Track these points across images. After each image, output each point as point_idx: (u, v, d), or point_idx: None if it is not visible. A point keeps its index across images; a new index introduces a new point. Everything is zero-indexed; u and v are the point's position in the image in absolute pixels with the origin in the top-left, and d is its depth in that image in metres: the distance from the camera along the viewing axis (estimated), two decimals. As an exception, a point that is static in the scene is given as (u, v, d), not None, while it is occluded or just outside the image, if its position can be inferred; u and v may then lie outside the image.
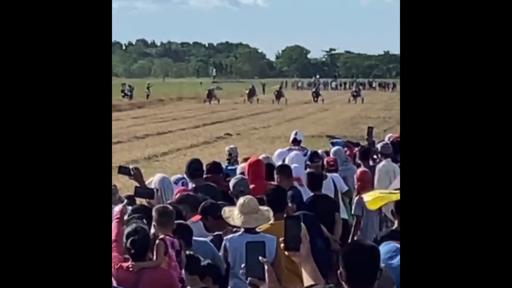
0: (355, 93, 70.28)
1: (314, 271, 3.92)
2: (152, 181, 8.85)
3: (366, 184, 10.58)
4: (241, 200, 7.30)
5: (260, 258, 3.91)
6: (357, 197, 10.42)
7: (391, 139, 15.79)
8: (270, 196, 7.85)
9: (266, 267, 3.89)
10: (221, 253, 7.17)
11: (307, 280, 3.90)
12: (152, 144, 30.26)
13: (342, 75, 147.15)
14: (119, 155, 26.22)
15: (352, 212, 10.48)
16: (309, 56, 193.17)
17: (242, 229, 7.17)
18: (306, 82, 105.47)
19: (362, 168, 11.22)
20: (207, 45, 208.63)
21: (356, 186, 10.76)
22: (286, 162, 11.91)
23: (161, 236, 6.50)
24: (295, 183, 10.21)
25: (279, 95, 66.16)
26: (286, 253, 3.94)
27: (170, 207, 6.86)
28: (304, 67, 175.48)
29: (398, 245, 5.62)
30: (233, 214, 7.23)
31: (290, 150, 13.49)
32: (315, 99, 68.32)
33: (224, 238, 7.20)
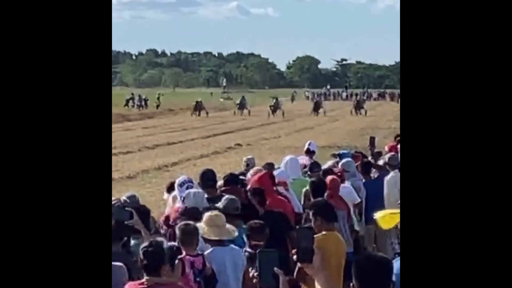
0: (357, 105, 65.23)
1: (327, 282, 3.92)
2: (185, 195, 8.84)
3: (335, 191, 10.52)
4: (208, 214, 7.41)
5: (276, 269, 3.91)
6: None
7: (387, 148, 15.82)
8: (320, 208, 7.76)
9: (281, 278, 3.88)
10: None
11: None
12: (162, 154, 30.28)
13: (353, 85, 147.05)
14: (129, 165, 26.26)
15: None
16: (320, 66, 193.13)
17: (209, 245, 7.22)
18: (316, 93, 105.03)
19: (331, 176, 11.11)
20: (217, 55, 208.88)
21: (326, 194, 10.57)
22: (282, 166, 12.02)
23: (180, 256, 6.51)
24: (280, 188, 10.21)
25: (275, 108, 61.20)
26: (298, 264, 3.91)
27: (192, 225, 6.83)
28: (315, 77, 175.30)
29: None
30: (204, 229, 7.28)
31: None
32: (316, 111, 62.56)
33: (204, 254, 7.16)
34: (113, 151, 31.29)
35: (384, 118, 56.90)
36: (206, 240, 7.22)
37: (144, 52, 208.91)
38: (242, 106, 64.77)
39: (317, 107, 64.02)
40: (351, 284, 3.84)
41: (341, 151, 15.85)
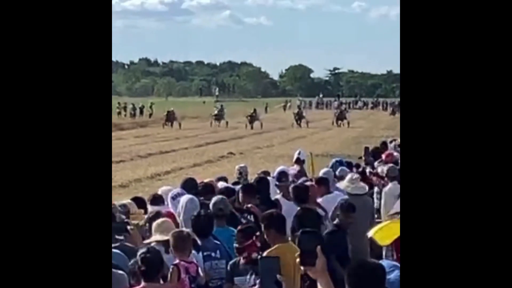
0: (339, 116, 60.38)
1: (330, 287, 3.92)
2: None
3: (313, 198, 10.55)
4: (158, 221, 7.53)
5: (278, 276, 3.90)
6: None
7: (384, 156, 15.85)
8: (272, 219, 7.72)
9: (283, 285, 3.87)
10: None
11: None
12: (154, 163, 30.23)
13: (345, 94, 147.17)
14: (122, 174, 26.21)
15: None
16: (312, 75, 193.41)
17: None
18: (303, 101, 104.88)
19: (310, 183, 11.17)
20: (210, 64, 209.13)
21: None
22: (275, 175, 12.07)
23: (176, 262, 6.54)
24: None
25: (252, 119, 56.05)
26: (301, 268, 3.92)
27: (186, 231, 6.84)
28: (308, 86, 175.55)
29: (394, 262, 5.61)
30: (152, 237, 7.39)
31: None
32: (298, 122, 58.22)
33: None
34: (106, 160, 31.20)
35: (377, 126, 56.92)
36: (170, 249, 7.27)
37: (136, 61, 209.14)
38: (219, 116, 59.16)
39: (299, 117, 59.41)
40: None
41: (335, 159, 15.83)
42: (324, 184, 11.45)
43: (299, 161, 14.61)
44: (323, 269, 3.90)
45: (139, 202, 9.96)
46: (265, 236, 7.43)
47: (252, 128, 54.31)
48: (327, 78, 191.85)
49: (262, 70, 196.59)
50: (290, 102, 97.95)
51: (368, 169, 15.05)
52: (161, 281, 6.32)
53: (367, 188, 11.97)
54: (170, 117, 56.38)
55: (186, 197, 9.16)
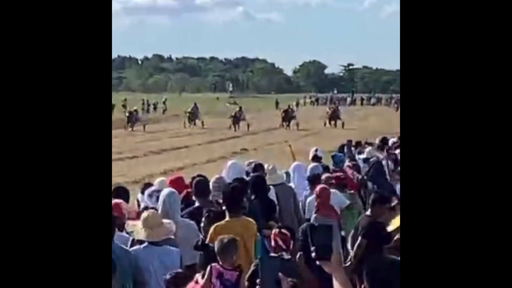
0: (332, 115, 52.43)
1: (346, 281, 3.88)
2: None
3: (326, 200, 10.49)
4: (144, 214, 7.50)
5: (280, 274, 3.86)
6: (315, 214, 10.36)
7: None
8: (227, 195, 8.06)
9: (283, 285, 3.82)
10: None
11: None
12: (168, 159, 30.22)
13: (359, 90, 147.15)
14: (135, 170, 26.20)
15: None
16: (326, 71, 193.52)
17: (146, 243, 7.31)
18: (321, 98, 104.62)
19: (321, 185, 11.02)
20: (224, 60, 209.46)
21: (316, 203, 10.58)
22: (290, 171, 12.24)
23: (214, 264, 6.74)
24: None
25: (236, 119, 47.98)
26: (317, 262, 3.89)
27: (228, 238, 6.91)
28: (322, 82, 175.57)
29: None
30: (136, 228, 7.41)
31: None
32: (287, 123, 49.77)
33: (131, 250, 7.24)
34: (119, 156, 31.37)
35: (392, 122, 56.57)
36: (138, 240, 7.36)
37: (149, 57, 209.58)
38: (193, 116, 50.80)
39: (287, 117, 50.43)
40: (363, 286, 3.79)
41: (335, 154, 15.86)
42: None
43: (316, 158, 14.58)
44: (338, 264, 3.89)
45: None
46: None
47: (235, 130, 47.01)
48: (341, 74, 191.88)
49: (276, 66, 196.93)
50: (304, 99, 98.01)
51: (347, 163, 14.93)
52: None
53: (284, 176, 12.06)
54: (131, 118, 48.19)
55: (166, 191, 9.03)
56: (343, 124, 50.35)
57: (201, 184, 9.58)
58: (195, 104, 51.94)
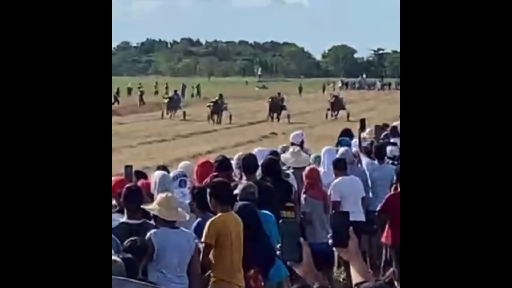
0: (333, 105, 45.51)
1: (363, 268, 3.88)
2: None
3: (315, 181, 10.40)
4: (163, 195, 7.51)
5: (301, 239, 3.87)
6: (304, 195, 10.31)
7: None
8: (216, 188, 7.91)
9: (304, 249, 3.73)
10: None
11: (356, 277, 3.84)
12: (196, 143, 30.25)
13: (388, 75, 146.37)
14: (163, 153, 26.26)
15: (301, 209, 10.22)
16: (355, 55, 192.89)
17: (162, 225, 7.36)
18: (350, 82, 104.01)
19: (310, 166, 10.94)
20: (253, 43, 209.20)
21: (304, 184, 10.45)
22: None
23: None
24: None
25: (216, 109, 41.66)
26: (334, 249, 3.88)
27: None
28: (351, 66, 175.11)
29: None
30: (156, 207, 7.41)
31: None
32: (277, 115, 43.45)
33: (149, 233, 7.23)
34: (148, 139, 31.54)
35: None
36: (158, 220, 7.35)
37: (178, 41, 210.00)
38: (173, 104, 45.24)
39: (275, 108, 43.79)
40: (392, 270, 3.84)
41: (341, 138, 15.43)
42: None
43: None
44: (355, 251, 3.84)
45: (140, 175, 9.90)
46: (209, 202, 7.79)
47: (216, 123, 40.81)
48: (370, 59, 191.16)
49: (305, 50, 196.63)
50: (332, 83, 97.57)
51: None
52: None
53: (309, 159, 11.97)
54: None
55: (158, 173, 8.98)
56: (348, 115, 43.10)
57: (249, 161, 9.58)
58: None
